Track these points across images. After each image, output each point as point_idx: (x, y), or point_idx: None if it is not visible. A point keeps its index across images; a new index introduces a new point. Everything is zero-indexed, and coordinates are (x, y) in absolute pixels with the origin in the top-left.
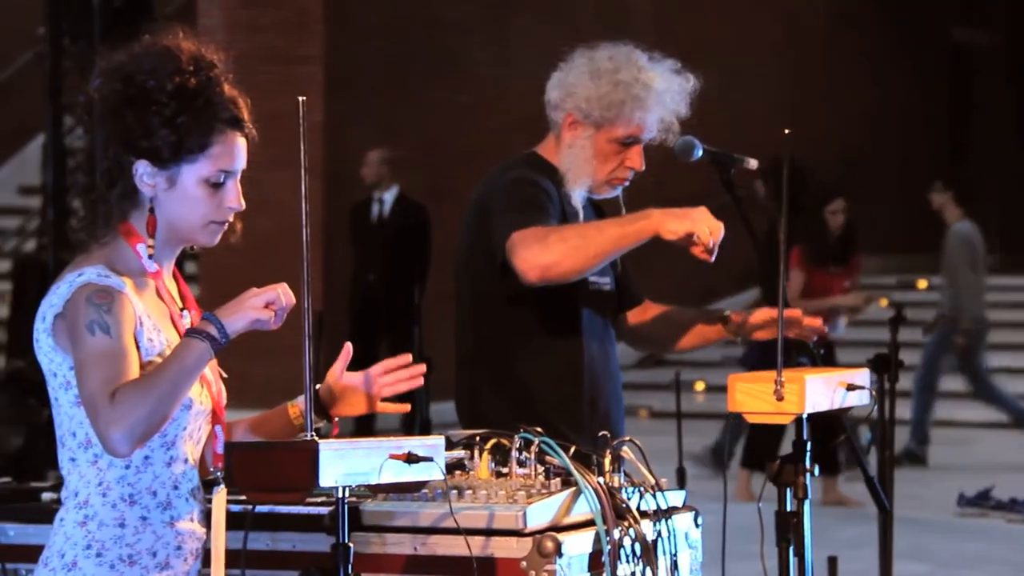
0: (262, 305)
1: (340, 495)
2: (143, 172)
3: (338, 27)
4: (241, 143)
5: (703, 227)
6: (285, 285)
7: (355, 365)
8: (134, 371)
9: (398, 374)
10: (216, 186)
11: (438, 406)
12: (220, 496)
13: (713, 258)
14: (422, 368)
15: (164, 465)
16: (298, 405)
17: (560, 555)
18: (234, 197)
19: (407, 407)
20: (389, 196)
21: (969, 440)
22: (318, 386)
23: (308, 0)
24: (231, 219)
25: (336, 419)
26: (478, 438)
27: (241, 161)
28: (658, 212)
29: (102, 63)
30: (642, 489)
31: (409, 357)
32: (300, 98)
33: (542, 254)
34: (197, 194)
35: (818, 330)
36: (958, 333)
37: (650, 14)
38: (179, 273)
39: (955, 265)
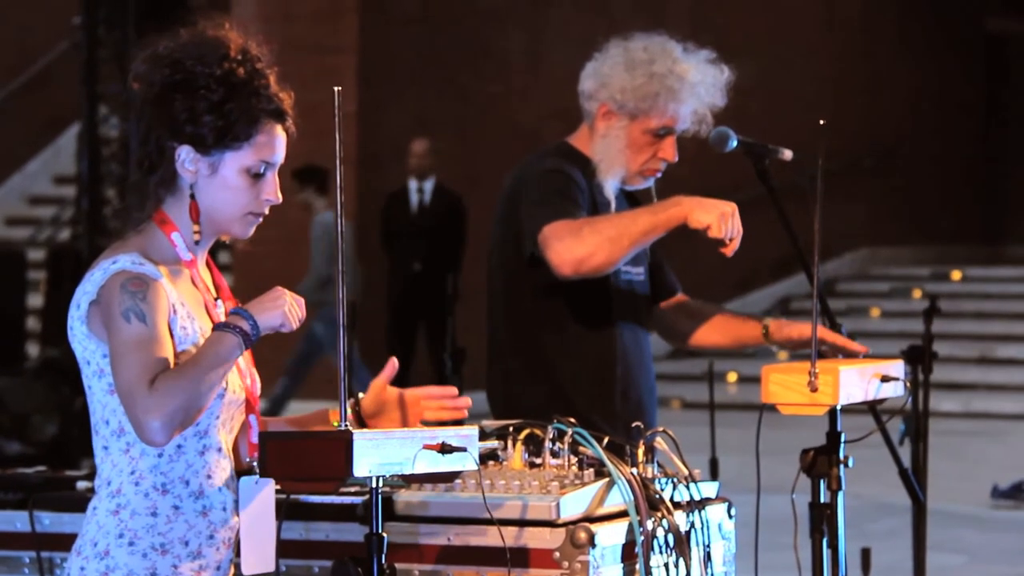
0: (295, 312)
1: (374, 485)
2: (185, 158)
3: (372, 16)
4: (282, 136)
5: (721, 224)
6: (302, 300)
7: (394, 353)
8: (170, 359)
9: (442, 403)
10: (256, 176)
11: (471, 396)
12: (258, 486)
13: (730, 254)
14: (467, 402)
15: (197, 454)
16: (339, 412)
17: (593, 546)
18: (272, 190)
19: None
20: (428, 186)
21: (1004, 432)
22: (361, 395)
23: None
24: (267, 212)
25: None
26: (511, 428)
27: (281, 154)
28: (688, 200)
29: (146, 50)
30: (675, 480)
31: (455, 390)
32: (336, 88)
33: (576, 247)
34: (237, 183)
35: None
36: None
37: (687, 5)
38: (213, 262)
39: (320, 252)
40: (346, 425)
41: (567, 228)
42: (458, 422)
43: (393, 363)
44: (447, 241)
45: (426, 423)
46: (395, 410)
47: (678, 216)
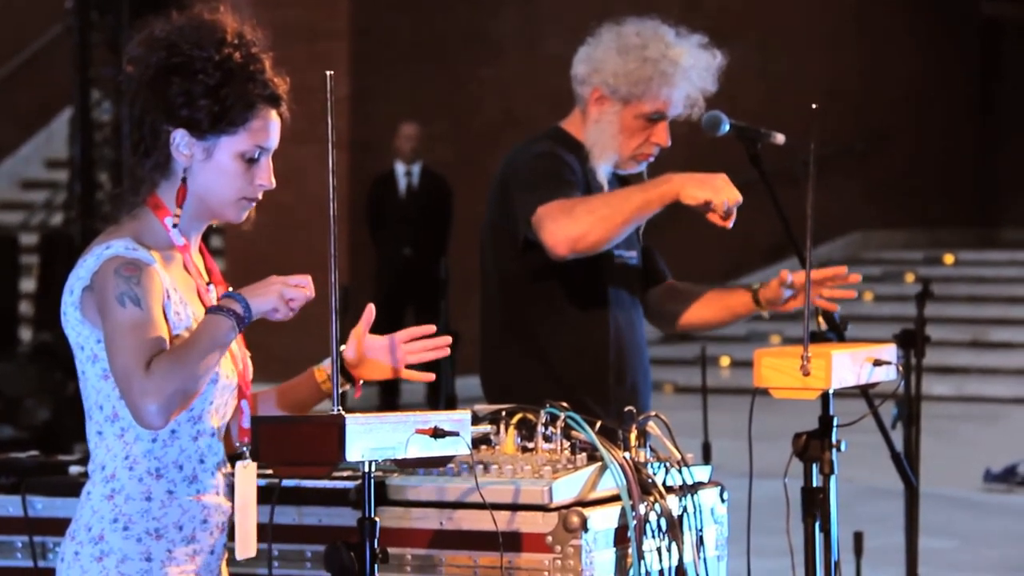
0: (288, 297)
1: (366, 469)
2: (180, 142)
3: (364, 1)
4: (277, 121)
5: (721, 195)
6: (310, 278)
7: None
8: (166, 343)
9: (423, 343)
10: (251, 162)
11: (464, 380)
12: (248, 470)
13: (730, 225)
14: (447, 339)
15: (190, 439)
16: (324, 369)
17: (586, 530)
18: (266, 175)
19: (432, 376)
20: (416, 169)
21: (996, 416)
22: (343, 347)
23: None
24: (260, 197)
25: (360, 382)
26: (504, 413)
27: (275, 139)
28: (679, 177)
29: (141, 32)
30: (668, 464)
31: (434, 328)
32: (328, 72)
33: (570, 226)
34: (232, 168)
35: (848, 294)
36: None
37: None
38: (205, 247)
39: None
40: (339, 410)
41: (560, 208)
42: (451, 407)
43: (370, 310)
44: (436, 225)
45: (411, 367)
46: (379, 357)
47: (670, 193)
